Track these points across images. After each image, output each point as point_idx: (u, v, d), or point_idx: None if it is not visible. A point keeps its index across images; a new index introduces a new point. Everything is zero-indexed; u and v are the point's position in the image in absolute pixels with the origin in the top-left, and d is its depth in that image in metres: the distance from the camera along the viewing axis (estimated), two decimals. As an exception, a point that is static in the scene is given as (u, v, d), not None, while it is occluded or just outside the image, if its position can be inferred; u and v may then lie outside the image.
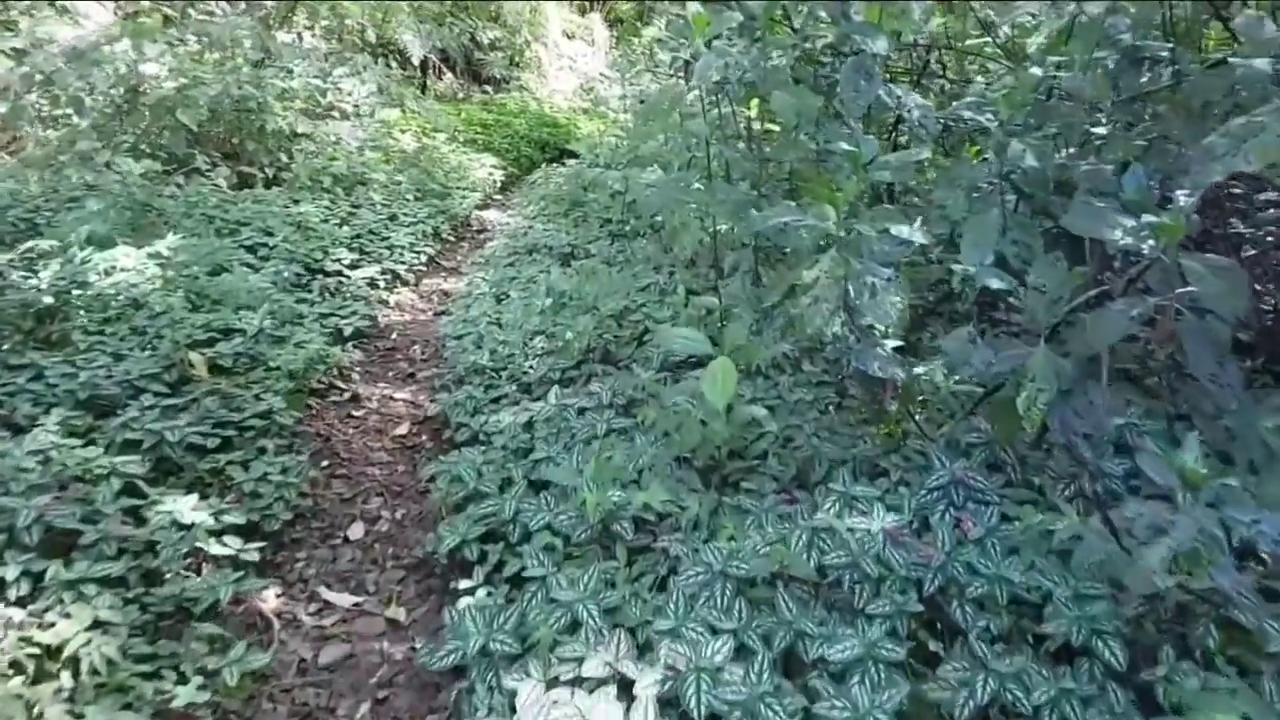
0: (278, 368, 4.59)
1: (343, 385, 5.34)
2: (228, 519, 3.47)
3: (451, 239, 9.18)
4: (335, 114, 9.22)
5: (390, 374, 5.79)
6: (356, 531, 4.01)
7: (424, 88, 15.31)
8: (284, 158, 8.16)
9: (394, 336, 6.45)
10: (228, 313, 4.95)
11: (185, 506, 3.34)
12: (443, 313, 7.09)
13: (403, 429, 4.97)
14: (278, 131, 8.25)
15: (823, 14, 4.18)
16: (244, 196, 7.35)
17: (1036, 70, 3.77)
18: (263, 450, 4.01)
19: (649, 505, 3.12)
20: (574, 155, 13.96)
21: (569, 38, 21.39)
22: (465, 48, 16.74)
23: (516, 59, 18.75)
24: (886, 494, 3.15)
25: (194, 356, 4.32)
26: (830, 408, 3.86)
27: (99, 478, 3.34)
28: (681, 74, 6.28)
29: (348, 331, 5.86)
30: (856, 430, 3.65)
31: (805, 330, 2.83)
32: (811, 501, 3.22)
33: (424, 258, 8.02)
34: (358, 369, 5.62)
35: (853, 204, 3.05)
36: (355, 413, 5.12)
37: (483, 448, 4.13)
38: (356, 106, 9.79)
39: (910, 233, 2.88)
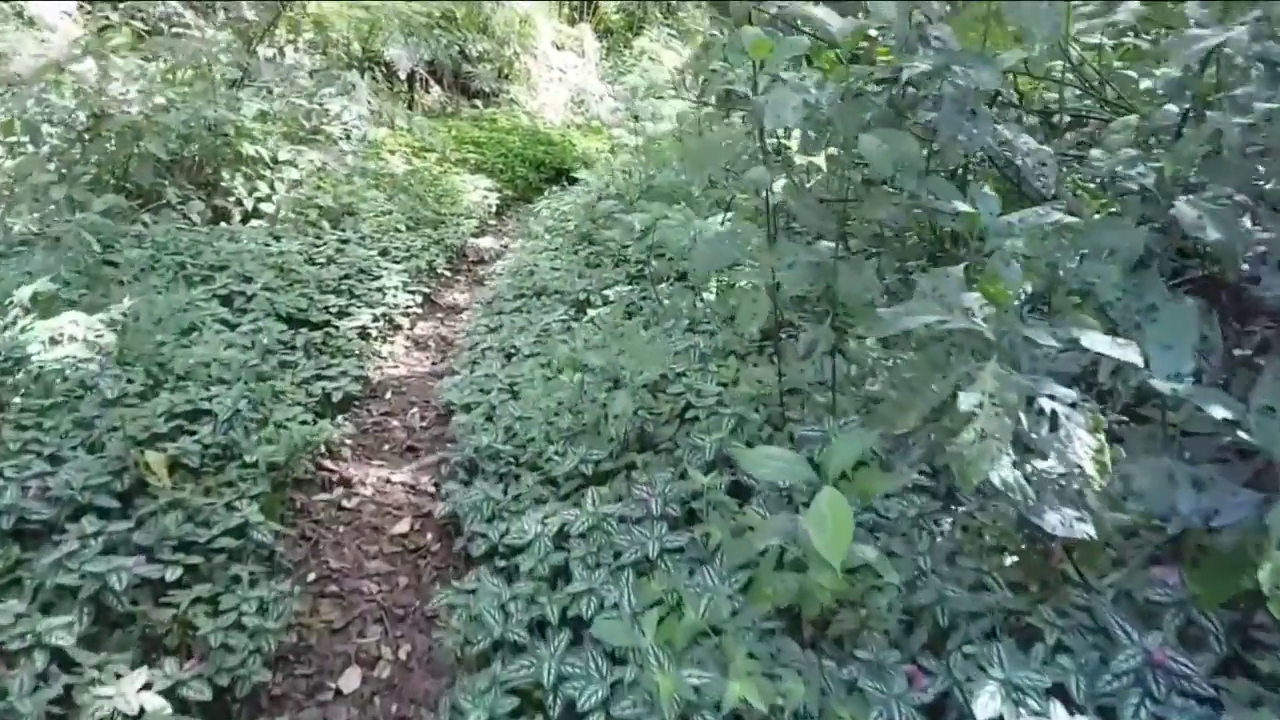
0: (254, 464, 3.78)
1: (331, 468, 4.53)
2: (188, 692, 2.67)
3: (447, 273, 8.38)
4: (320, 137, 8.41)
5: (386, 447, 4.98)
6: (351, 680, 3.20)
7: (411, 103, 14.49)
8: (264, 188, 7.34)
9: (389, 397, 5.64)
10: (196, 390, 4.13)
11: (131, 688, 2.53)
12: (442, 364, 6.31)
13: (403, 525, 4.17)
14: (256, 159, 7.42)
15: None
16: (219, 234, 6.53)
17: (1172, 108, 3.04)
18: (236, 580, 3.20)
19: (745, 700, 2.33)
20: (571, 175, 13.22)
21: (558, 48, 20.61)
22: (453, 60, 15.94)
23: (506, 71, 17.97)
24: (1045, 664, 2.39)
25: (151, 457, 3.50)
26: (944, 527, 3.09)
27: (18, 652, 2.53)
28: (711, 100, 5.52)
29: (337, 397, 5.05)
30: (981, 561, 2.89)
31: (969, 480, 2.06)
32: (947, 674, 2.45)
33: (419, 298, 7.21)
34: (349, 443, 4.81)
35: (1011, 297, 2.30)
36: (347, 503, 4.31)
37: (504, 572, 3.35)
38: (345, 127, 8.98)
39: (1106, 345, 2.11)
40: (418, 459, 4.86)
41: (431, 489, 4.43)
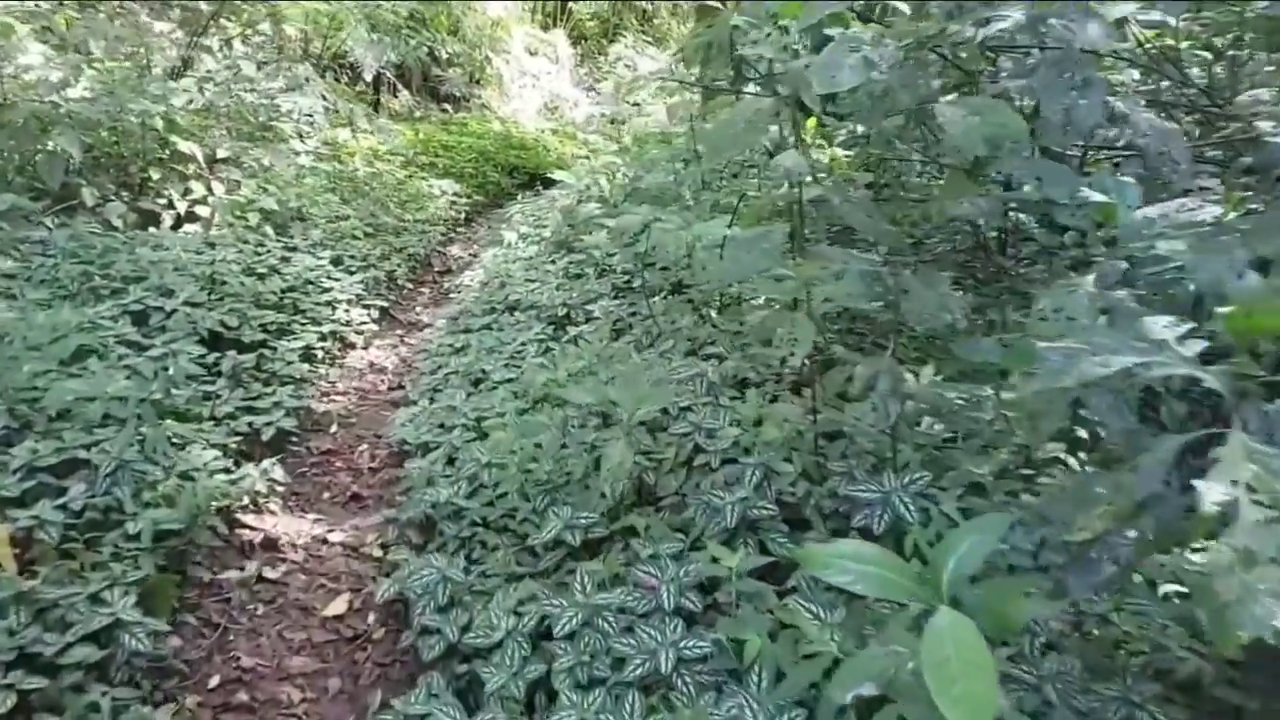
0: (136, 535, 2.87)
1: (253, 526, 3.62)
2: None
3: (409, 284, 7.48)
4: (269, 135, 7.49)
5: (326, 496, 4.08)
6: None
7: (377, 106, 13.56)
8: (199, 189, 6.42)
9: (334, 431, 4.73)
10: (74, 434, 3.22)
11: None
12: (399, 390, 5.41)
13: (339, 605, 3.26)
14: (190, 156, 6.50)
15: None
16: (141, 240, 5.60)
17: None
18: (93, 710, 2.30)
19: None
20: (546, 180, 12.35)
21: (531, 54, 19.77)
22: (422, 63, 15.04)
23: (477, 75, 17.11)
24: None
25: (-8, 533, 2.60)
26: (1055, 625, 2.25)
27: None
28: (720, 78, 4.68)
29: (268, 434, 4.14)
30: (1126, 685, 2.05)
31: (1228, 636, 1.22)
32: None
33: (375, 313, 6.31)
34: (279, 490, 3.91)
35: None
36: (270, 573, 3.40)
37: (464, 687, 2.47)
38: (297, 125, 8.06)
39: None
40: (363, 510, 3.96)
41: (378, 553, 3.53)
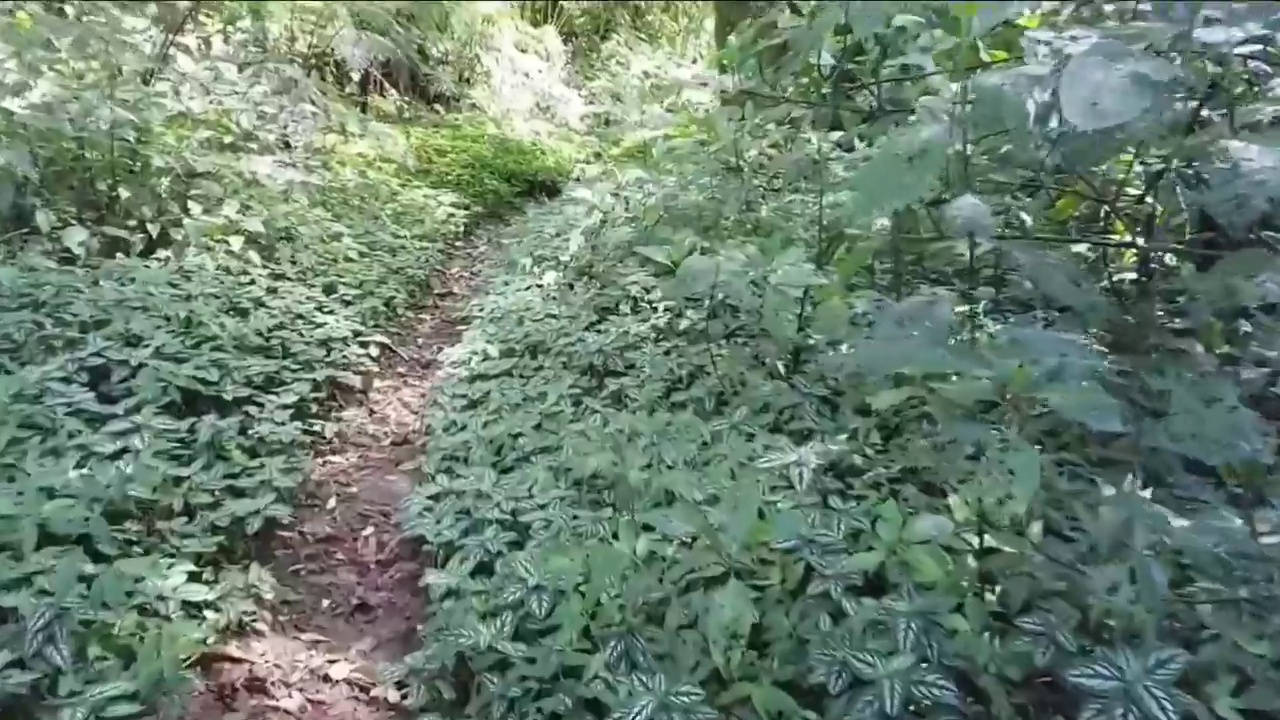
0: (76, 733, 2.08)
1: (235, 657, 2.83)
2: None
3: (410, 312, 6.67)
4: (253, 145, 6.65)
5: (325, 604, 3.28)
6: None
7: (365, 107, 12.71)
8: (175, 208, 5.60)
9: (332, 507, 3.93)
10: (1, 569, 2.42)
11: None
12: (405, 445, 4.63)
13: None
14: (166, 170, 5.67)
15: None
16: (106, 273, 4.77)
17: None
18: None
19: None
20: (547, 188, 11.55)
21: (522, 51, 18.93)
22: (411, 61, 14.17)
23: (467, 74, 16.27)
24: None
25: None
26: None
27: None
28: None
29: (254, 526, 3.34)
30: None
31: None
32: None
33: (375, 349, 5.51)
34: (267, 599, 3.12)
35: None
36: (255, 732, 2.62)
37: None
38: (284, 133, 7.23)
39: None
40: (372, 624, 3.18)
41: (394, 696, 2.75)
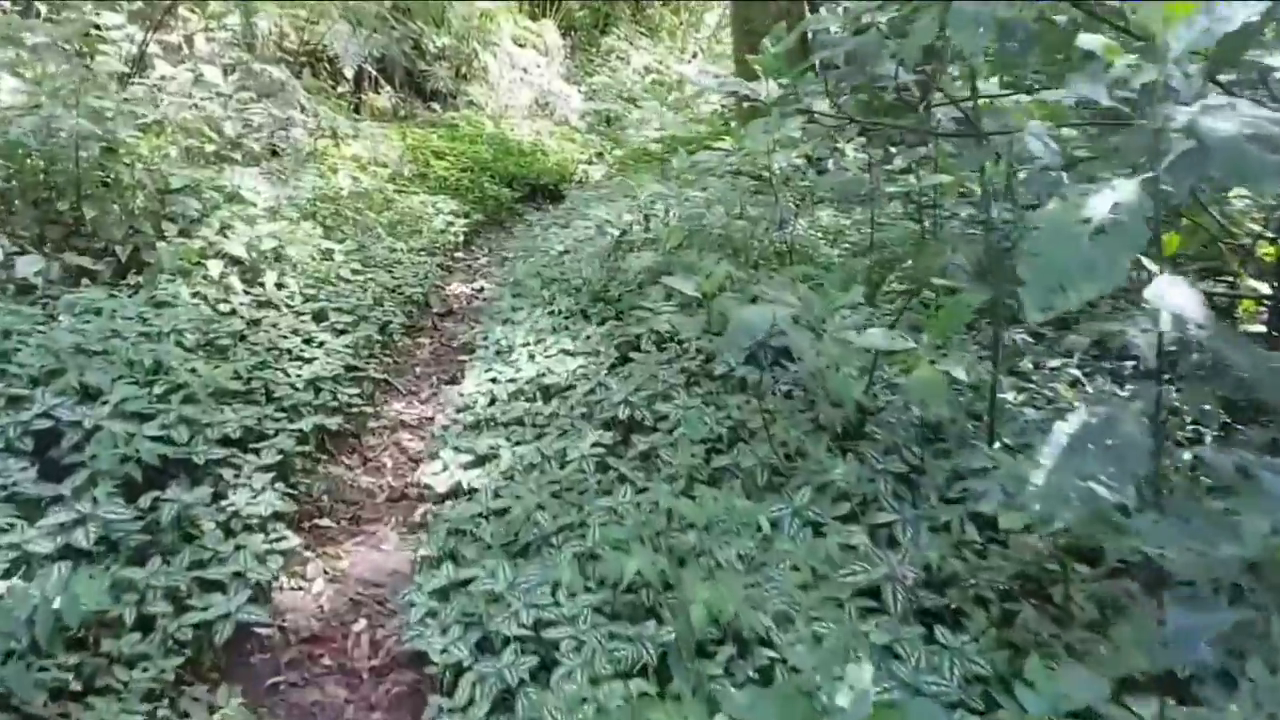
0: None
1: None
2: None
3: (406, 338, 6.09)
4: (237, 155, 6.05)
5: (311, 731, 2.72)
6: None
7: (359, 106, 12.09)
8: (148, 229, 5.01)
9: (319, 590, 3.36)
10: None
11: None
12: (401, 502, 4.07)
13: None
14: (138, 187, 5.08)
15: None
16: (71, 305, 4.19)
17: None
18: None
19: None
20: (549, 192, 10.96)
21: (520, 46, 18.30)
22: (407, 56, 13.53)
23: (464, 70, 15.65)
24: None
25: None
26: None
27: None
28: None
29: (223, 634, 2.77)
30: None
31: None
32: None
33: (369, 385, 4.94)
34: (242, 729, 2.55)
35: None
36: None
37: None
38: (271, 140, 6.62)
39: None
40: (368, 760, 2.62)
41: None
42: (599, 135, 15.70)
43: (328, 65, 11.90)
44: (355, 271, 6.19)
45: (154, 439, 3.37)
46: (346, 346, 5.00)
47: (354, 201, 7.36)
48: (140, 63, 6.46)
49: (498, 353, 4.97)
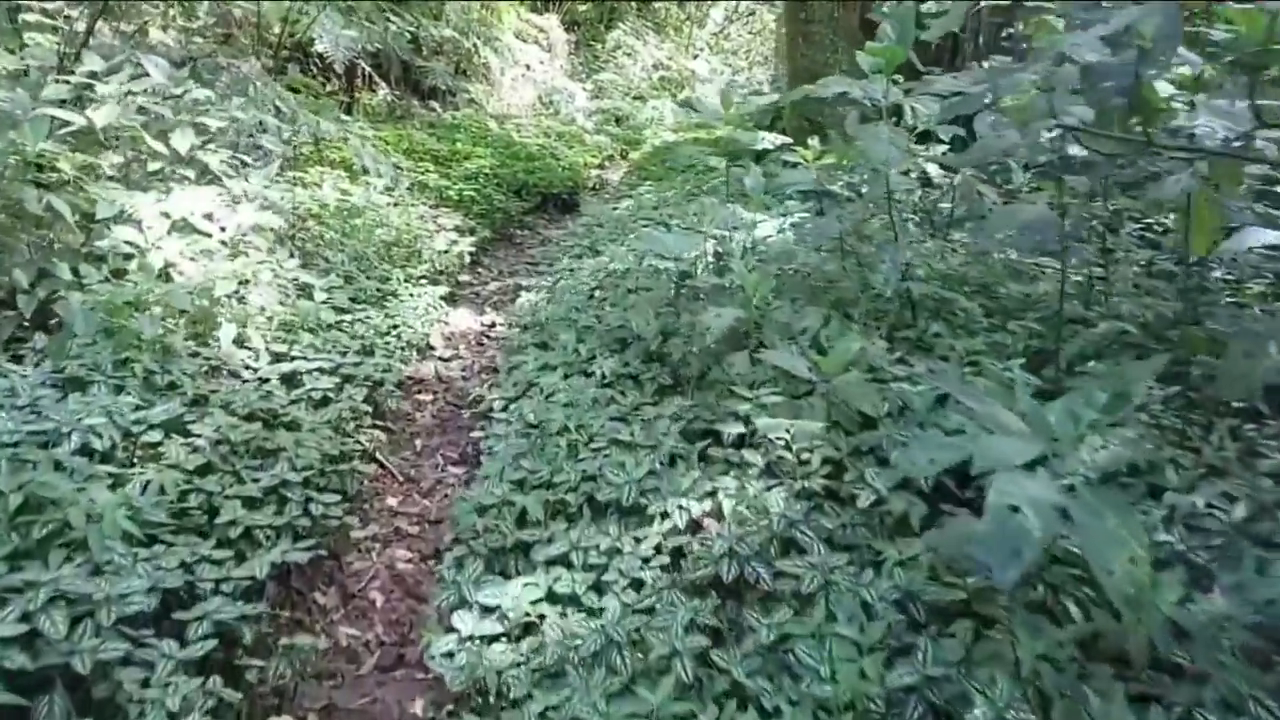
0: None
1: None
2: None
3: (405, 394, 4.80)
4: (190, 171, 4.72)
5: None
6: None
7: (351, 105, 10.78)
8: (65, 273, 3.73)
9: None
10: None
11: None
12: (398, 668, 2.79)
13: None
14: (54, 215, 3.79)
15: None
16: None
17: None
18: None
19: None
20: (562, 202, 9.67)
21: (522, 41, 16.95)
22: (404, 51, 12.18)
23: (464, 66, 14.29)
24: None
25: None
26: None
27: None
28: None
29: None
30: None
31: None
32: None
33: (357, 484, 3.66)
34: None
35: None
36: None
37: None
38: (234, 152, 5.29)
39: None
40: None
41: None
42: (609, 135, 14.41)
43: (318, 60, 10.59)
44: (340, 310, 4.92)
45: (6, 641, 2.09)
46: (326, 423, 3.72)
47: (341, 220, 6.06)
48: (78, 57, 5.14)
49: (524, 433, 3.68)
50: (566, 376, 4.07)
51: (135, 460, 3.00)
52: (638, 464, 3.03)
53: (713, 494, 2.79)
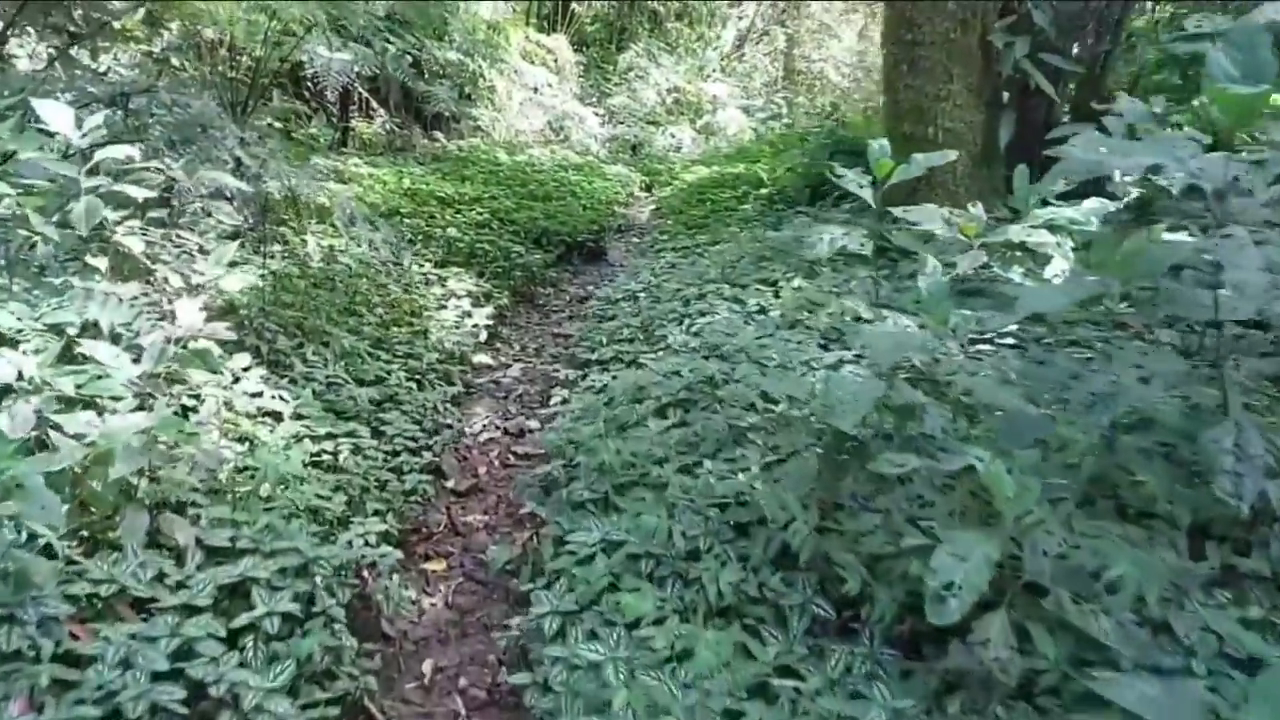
0: None
1: None
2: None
3: (410, 576, 3.30)
4: (101, 263, 3.23)
5: None
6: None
7: (346, 136, 9.33)
8: None
9: None
10: None
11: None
12: None
13: None
14: None
15: None
16: None
17: None
18: None
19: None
20: (588, 250, 8.20)
21: (530, 62, 15.50)
22: (405, 74, 10.72)
23: (469, 90, 12.80)
24: None
25: None
26: None
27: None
28: None
29: None
30: None
31: None
32: None
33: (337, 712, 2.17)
34: None
35: None
36: None
37: None
38: (174, 226, 3.80)
39: None
40: None
41: None
42: (624, 164, 12.99)
43: (309, 86, 9.13)
44: (314, 447, 3.44)
45: None
46: (279, 689, 2.24)
47: (324, 297, 4.60)
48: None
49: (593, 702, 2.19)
50: (653, 578, 2.59)
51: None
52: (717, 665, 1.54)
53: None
